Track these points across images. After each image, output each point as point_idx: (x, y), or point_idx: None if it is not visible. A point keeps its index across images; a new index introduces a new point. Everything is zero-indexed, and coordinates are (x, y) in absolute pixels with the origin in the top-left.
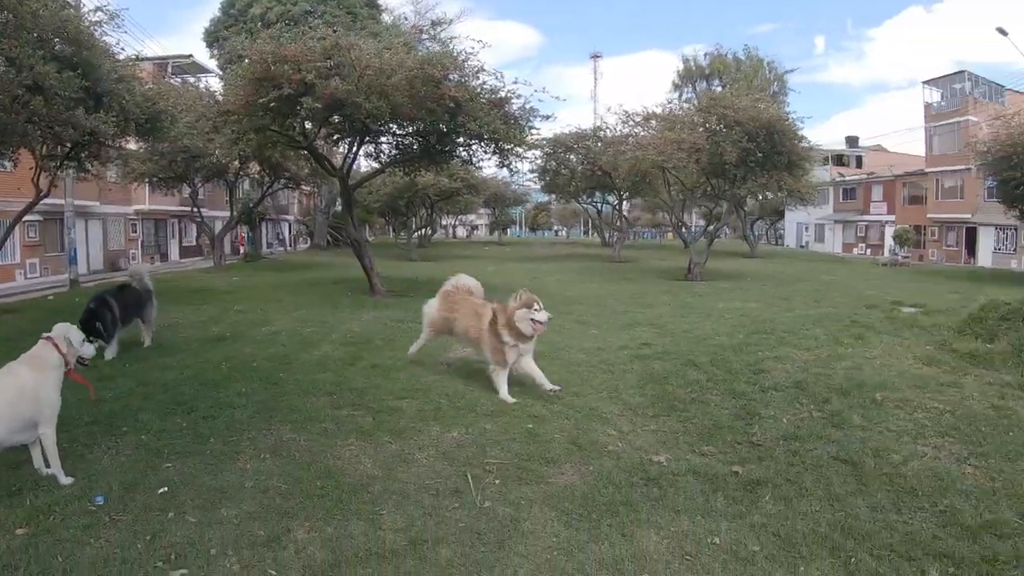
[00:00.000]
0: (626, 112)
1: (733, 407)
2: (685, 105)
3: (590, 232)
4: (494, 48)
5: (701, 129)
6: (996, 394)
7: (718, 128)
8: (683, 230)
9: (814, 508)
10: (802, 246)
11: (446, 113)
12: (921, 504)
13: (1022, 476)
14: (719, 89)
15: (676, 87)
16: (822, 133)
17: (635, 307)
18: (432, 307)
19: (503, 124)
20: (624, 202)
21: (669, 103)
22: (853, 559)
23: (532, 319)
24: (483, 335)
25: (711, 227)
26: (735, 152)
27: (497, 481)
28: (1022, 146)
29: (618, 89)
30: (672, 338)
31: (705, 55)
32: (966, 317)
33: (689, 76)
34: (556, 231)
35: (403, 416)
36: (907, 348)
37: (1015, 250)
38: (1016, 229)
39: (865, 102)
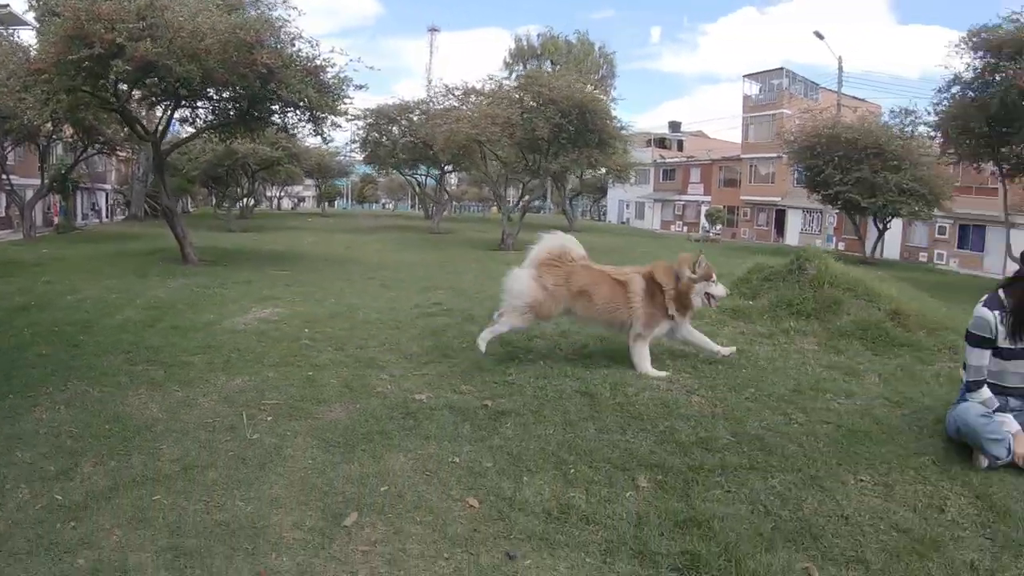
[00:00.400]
0: (446, 86)
1: (499, 354)
2: (506, 83)
3: (417, 205)
4: (329, 15)
5: (518, 106)
6: (744, 340)
7: (533, 105)
8: (504, 203)
9: (548, 432)
10: (623, 222)
11: (258, 79)
12: (644, 426)
13: (742, 403)
14: (549, 70)
15: (507, 66)
16: (652, 118)
17: (440, 273)
18: (529, 283)
19: (316, 92)
20: (449, 175)
21: (490, 79)
22: (573, 470)
23: (708, 292)
24: (635, 309)
25: (524, 199)
26: (547, 128)
27: (269, 418)
28: (824, 138)
29: (455, 64)
30: (465, 298)
31: (538, 36)
32: (736, 279)
33: (521, 55)
34: (384, 204)
35: (193, 368)
36: None
37: (820, 231)
38: (822, 212)
39: (695, 91)
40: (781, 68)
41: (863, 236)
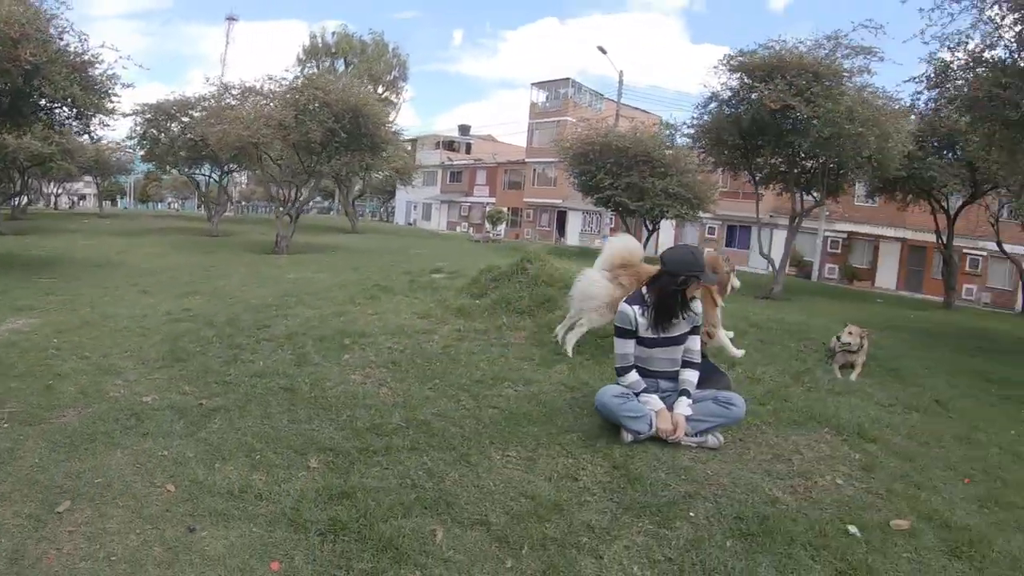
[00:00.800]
0: (224, 85)
1: (226, 356)
2: (284, 82)
3: (201, 205)
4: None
5: (292, 108)
6: (457, 337)
7: (309, 107)
8: (280, 205)
9: (247, 424)
10: (410, 223)
11: (21, 75)
12: (331, 416)
13: (423, 393)
14: (342, 68)
15: (300, 62)
16: (450, 119)
17: (205, 278)
18: (605, 284)
19: (82, 90)
20: (236, 174)
21: (269, 79)
22: (259, 456)
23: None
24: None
25: (299, 202)
26: (320, 132)
27: (6, 425)
28: (598, 145)
29: (253, 56)
30: (219, 304)
31: (333, 33)
32: (469, 280)
33: (315, 53)
34: (169, 203)
35: None
36: (411, 306)
37: (598, 231)
38: (600, 214)
39: (492, 95)
40: (568, 78)
41: (638, 236)
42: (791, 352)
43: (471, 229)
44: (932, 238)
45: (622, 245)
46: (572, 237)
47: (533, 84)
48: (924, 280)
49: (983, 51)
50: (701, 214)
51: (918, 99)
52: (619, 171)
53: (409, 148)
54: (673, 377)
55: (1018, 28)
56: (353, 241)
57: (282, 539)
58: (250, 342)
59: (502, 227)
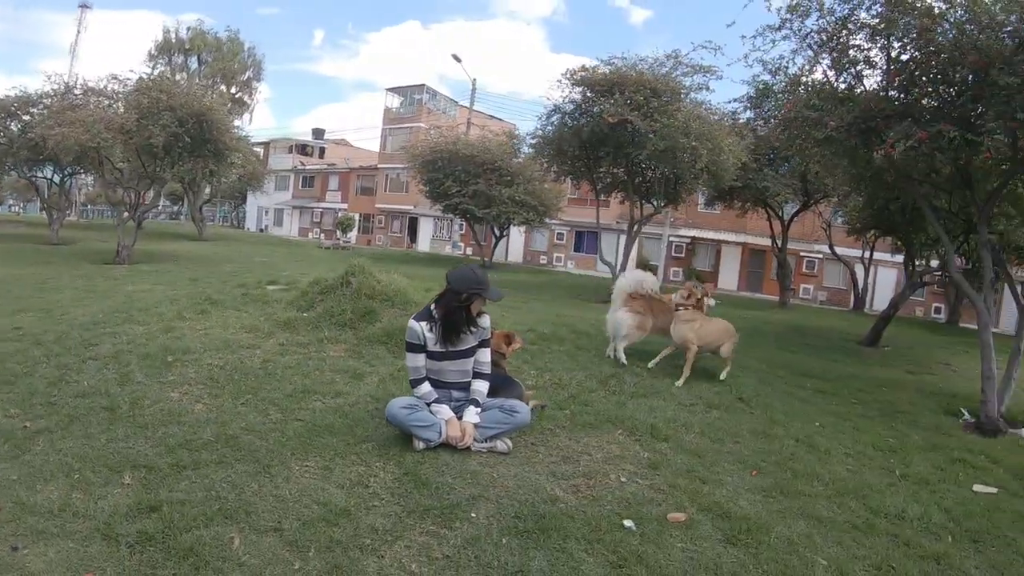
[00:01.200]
0: (66, 84)
1: (52, 376)
2: (129, 82)
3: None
4: None
5: (135, 111)
6: (278, 351)
7: (152, 111)
8: (131, 210)
9: (69, 445)
10: (261, 230)
11: None
12: (146, 433)
13: (236, 408)
14: (195, 65)
15: (152, 58)
16: (308, 122)
17: (37, 293)
18: (626, 317)
19: None
20: (76, 177)
21: (114, 78)
22: (78, 475)
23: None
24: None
25: (141, 208)
26: (163, 136)
27: None
28: (445, 153)
29: (107, 47)
30: (50, 321)
31: (188, 29)
32: (298, 292)
33: (168, 49)
34: (11, 207)
35: None
36: (240, 319)
37: (449, 237)
38: (451, 220)
39: (351, 98)
40: (423, 84)
41: (488, 243)
42: (606, 357)
43: (323, 235)
44: (769, 242)
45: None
46: (424, 243)
47: (388, 89)
48: (763, 281)
49: (802, 75)
50: (549, 220)
51: (739, 118)
52: (467, 178)
53: (260, 152)
54: (465, 387)
55: (833, 55)
56: (199, 249)
57: (96, 553)
58: (76, 361)
59: (352, 234)
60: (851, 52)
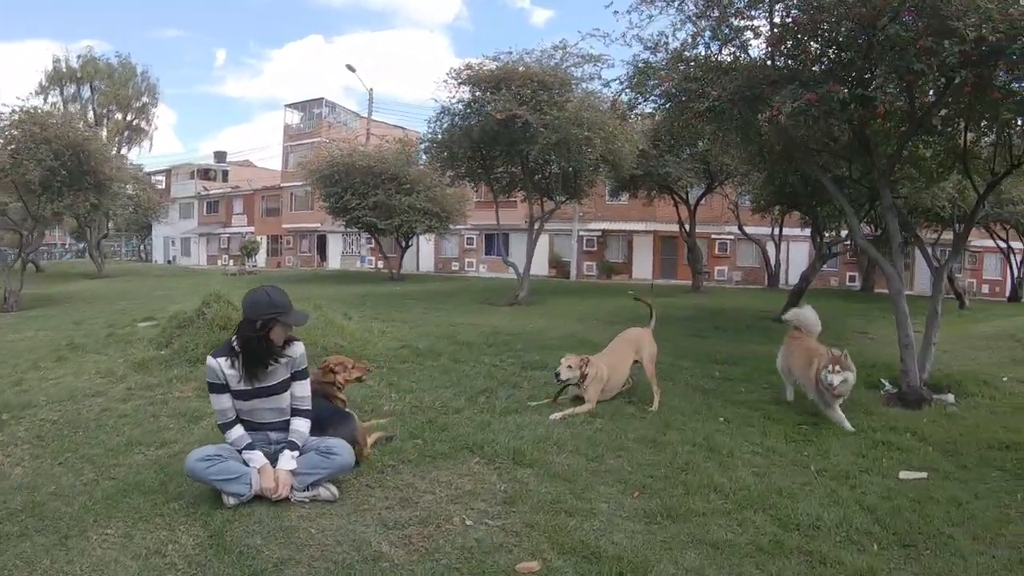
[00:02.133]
0: None
1: None
2: (2, 115)
3: None
4: None
5: (10, 146)
6: (122, 397)
7: (27, 145)
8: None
9: None
10: (169, 261)
11: None
12: None
13: (54, 469)
14: (88, 94)
15: (44, 89)
16: (214, 144)
17: None
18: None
19: None
20: None
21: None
22: None
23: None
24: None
25: (26, 250)
26: (39, 171)
27: None
28: (342, 166)
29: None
30: None
31: (78, 57)
32: (158, 328)
33: (59, 79)
34: None
35: None
36: (97, 364)
37: (358, 253)
38: (359, 235)
39: (257, 118)
40: (321, 98)
41: (398, 255)
42: (483, 368)
43: (232, 262)
44: (679, 228)
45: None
46: (334, 260)
47: (287, 106)
48: (677, 267)
49: (684, 50)
50: (457, 226)
51: (620, 97)
52: (366, 190)
53: (162, 180)
54: (284, 428)
55: (712, 24)
56: (97, 288)
57: None
58: None
59: (258, 258)
60: (732, 20)
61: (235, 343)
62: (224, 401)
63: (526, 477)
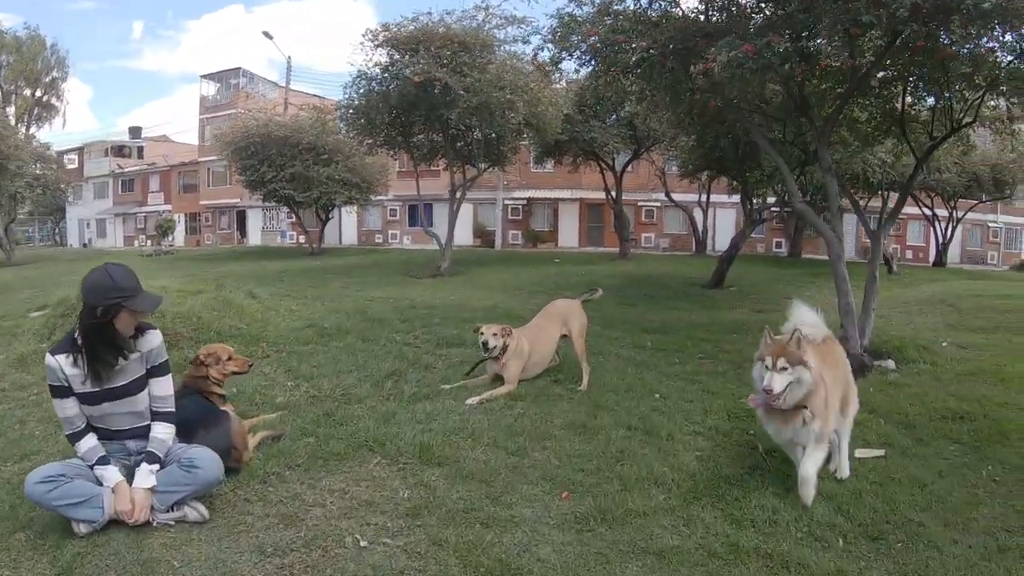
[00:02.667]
0: None
1: None
2: None
3: None
4: None
5: None
6: None
7: None
8: None
9: None
10: (85, 244)
11: None
12: None
13: None
14: None
15: None
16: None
17: None
18: None
19: None
20: None
21: None
22: None
23: None
24: None
25: None
26: None
27: None
28: (257, 137)
29: None
30: None
31: None
32: (44, 318)
33: None
34: None
35: None
36: None
37: (277, 227)
38: (278, 209)
39: (176, 91)
40: (239, 68)
41: (319, 228)
42: (394, 348)
43: (149, 242)
44: (605, 196)
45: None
46: (254, 236)
47: (203, 76)
48: (604, 235)
49: (612, 3)
50: (378, 197)
51: (540, 53)
52: (283, 162)
53: (73, 159)
54: (145, 434)
55: None
56: (2, 276)
57: None
58: None
59: (175, 236)
60: None
61: (77, 336)
62: (69, 407)
63: (435, 480)
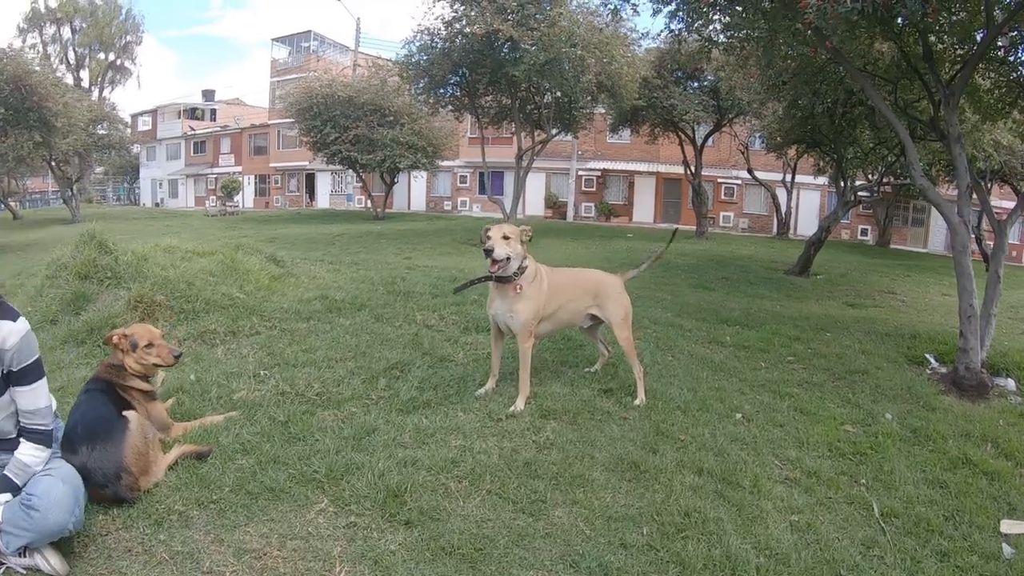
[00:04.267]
0: None
1: None
2: None
3: None
4: None
5: None
6: None
7: None
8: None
9: None
10: (157, 204)
11: None
12: None
13: None
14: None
15: (22, 32)
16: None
17: None
18: None
19: None
20: None
21: None
22: None
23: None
24: None
25: None
26: None
27: None
28: (320, 97)
29: None
30: None
31: None
32: (38, 280)
33: (37, 19)
34: None
35: None
36: None
37: (343, 192)
38: (346, 172)
39: (255, 57)
40: (309, 31)
41: (384, 193)
42: (411, 329)
43: (219, 203)
44: (683, 170)
45: None
46: (323, 199)
47: (274, 40)
48: (681, 212)
49: None
50: (449, 162)
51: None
52: (347, 123)
53: (147, 121)
54: (10, 449)
55: None
56: (60, 234)
57: None
58: None
59: (241, 197)
60: None
61: None
62: None
63: (394, 550)
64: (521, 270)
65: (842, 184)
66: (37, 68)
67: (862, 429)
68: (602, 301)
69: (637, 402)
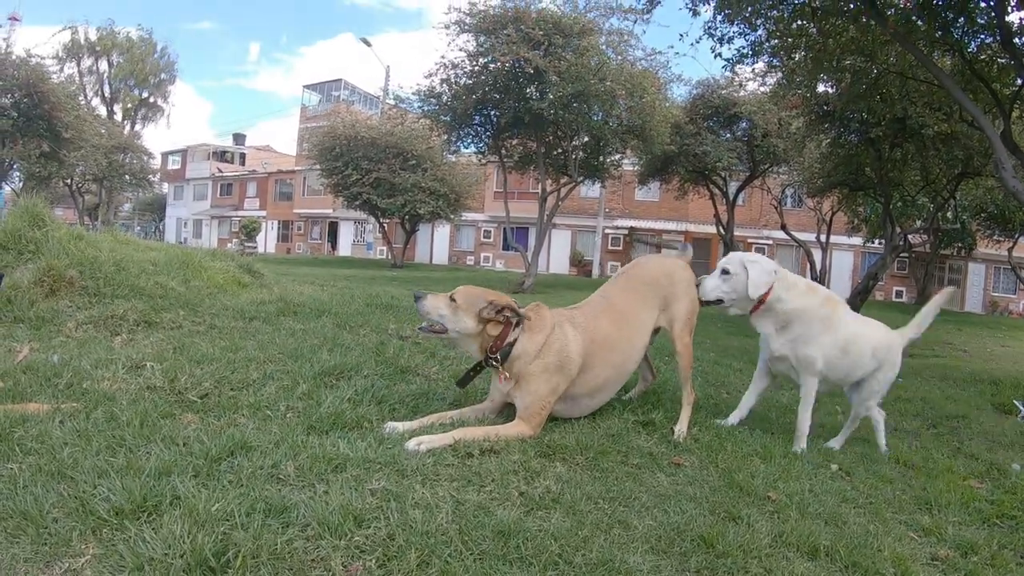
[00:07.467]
0: None
1: None
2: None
3: None
4: None
5: None
6: None
7: None
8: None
9: None
10: (181, 241)
11: None
12: None
13: None
14: (105, 68)
15: (60, 61)
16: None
17: None
18: None
19: None
20: None
21: None
22: None
23: None
24: None
25: None
26: None
27: None
28: (344, 138)
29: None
30: None
31: (97, 29)
32: None
33: (77, 50)
34: None
35: None
36: None
37: (363, 240)
38: (367, 221)
39: (290, 113)
40: (340, 79)
41: (406, 242)
42: (375, 337)
43: (238, 243)
44: (714, 229)
45: None
46: (345, 248)
47: (305, 86)
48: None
49: None
50: (471, 215)
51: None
52: (368, 165)
53: (175, 160)
54: None
55: None
56: None
57: None
58: None
59: (260, 239)
60: None
61: None
62: None
63: None
64: (504, 353)
65: (889, 228)
66: (53, 77)
67: (992, 484)
68: (671, 298)
69: (676, 435)
